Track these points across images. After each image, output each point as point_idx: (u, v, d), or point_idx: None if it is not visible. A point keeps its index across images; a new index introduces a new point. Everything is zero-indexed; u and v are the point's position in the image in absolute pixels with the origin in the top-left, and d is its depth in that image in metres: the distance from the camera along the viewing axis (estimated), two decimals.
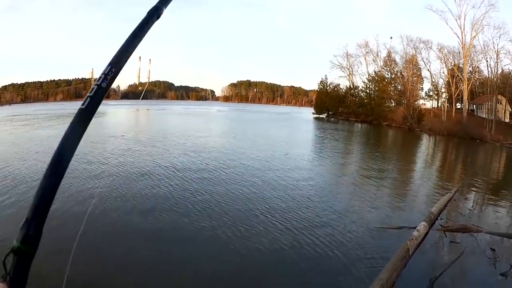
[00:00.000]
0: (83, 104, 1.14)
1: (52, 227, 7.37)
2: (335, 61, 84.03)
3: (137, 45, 1.34)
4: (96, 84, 1.18)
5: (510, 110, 62.69)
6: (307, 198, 12.10)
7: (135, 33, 1.35)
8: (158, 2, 1.42)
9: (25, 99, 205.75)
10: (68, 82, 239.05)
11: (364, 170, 19.02)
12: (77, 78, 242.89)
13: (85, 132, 1.02)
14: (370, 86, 77.73)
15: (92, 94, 1.16)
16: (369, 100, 74.81)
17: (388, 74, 76.25)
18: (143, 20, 1.39)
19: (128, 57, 1.31)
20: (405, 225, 9.54)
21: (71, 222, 8.23)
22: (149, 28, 1.39)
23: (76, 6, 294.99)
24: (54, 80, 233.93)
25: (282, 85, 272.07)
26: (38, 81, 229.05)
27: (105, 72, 1.22)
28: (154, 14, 1.41)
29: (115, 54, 1.28)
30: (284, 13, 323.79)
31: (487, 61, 61.69)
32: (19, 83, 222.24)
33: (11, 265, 0.87)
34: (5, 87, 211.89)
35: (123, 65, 1.27)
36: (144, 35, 1.38)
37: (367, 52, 79.50)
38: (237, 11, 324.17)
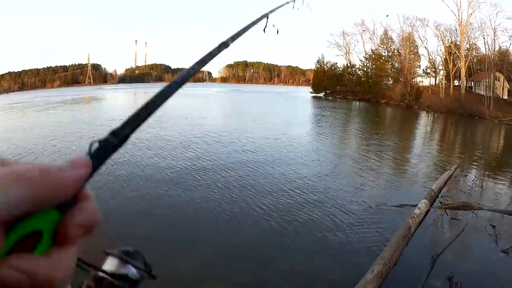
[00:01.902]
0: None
1: None
2: (332, 40, 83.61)
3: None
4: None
5: (508, 87, 62.75)
6: (306, 177, 12.07)
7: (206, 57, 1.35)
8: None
9: (22, 87, 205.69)
10: (65, 68, 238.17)
11: (363, 149, 19.02)
12: (73, 64, 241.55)
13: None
14: (367, 64, 77.38)
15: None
16: (367, 78, 74.57)
17: (385, 52, 75.89)
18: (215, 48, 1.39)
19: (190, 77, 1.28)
20: (406, 203, 9.52)
21: None
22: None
23: None
24: (51, 67, 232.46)
25: (279, 65, 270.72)
26: (35, 69, 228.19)
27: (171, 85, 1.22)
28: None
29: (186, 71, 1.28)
30: None
31: (484, 38, 61.64)
32: (15, 71, 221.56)
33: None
34: (2, 76, 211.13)
35: (184, 83, 1.24)
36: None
37: (364, 30, 79.13)
38: None
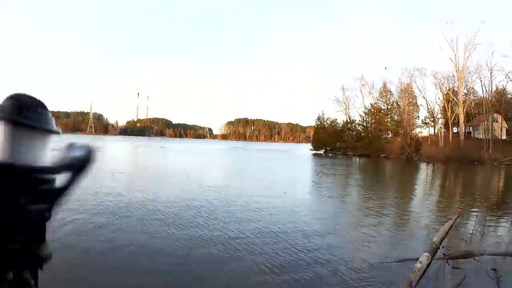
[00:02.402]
0: None
1: None
2: (332, 96, 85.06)
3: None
4: None
5: (506, 126, 63.33)
6: (308, 235, 11.93)
7: None
8: None
9: None
10: (67, 115, 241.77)
11: (363, 205, 18.91)
12: (76, 111, 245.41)
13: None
14: (367, 119, 78.30)
15: None
16: (366, 133, 75.25)
17: (384, 105, 77.31)
18: None
19: None
20: (407, 257, 9.46)
21: None
22: None
23: (78, 37, 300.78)
24: (53, 112, 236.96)
25: (279, 122, 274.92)
26: None
27: None
28: None
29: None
30: (282, 49, 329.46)
31: (481, 80, 63.58)
32: None
33: None
34: None
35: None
36: None
37: (363, 84, 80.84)
38: (236, 46, 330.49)
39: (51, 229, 1.93)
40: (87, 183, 22.45)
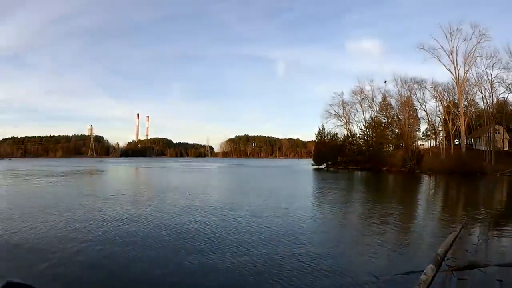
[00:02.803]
0: None
1: None
2: (331, 110, 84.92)
3: None
4: None
5: (508, 138, 63.13)
6: (312, 251, 11.85)
7: None
8: None
9: (25, 154, 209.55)
10: (67, 139, 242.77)
11: (367, 219, 18.89)
12: (76, 134, 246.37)
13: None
14: (368, 133, 78.26)
15: None
16: (367, 147, 75.19)
17: (384, 119, 77.20)
18: None
19: None
20: (411, 269, 9.42)
21: None
22: None
23: (75, 59, 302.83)
24: (53, 136, 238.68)
25: (280, 138, 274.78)
26: (38, 136, 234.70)
27: None
28: None
29: None
30: (281, 66, 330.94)
31: (481, 93, 63.00)
32: (19, 137, 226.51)
33: None
34: (5, 140, 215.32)
35: None
36: None
37: (363, 98, 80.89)
38: (235, 67, 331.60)
39: None
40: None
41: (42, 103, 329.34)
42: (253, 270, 9.86)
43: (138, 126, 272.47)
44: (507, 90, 59.63)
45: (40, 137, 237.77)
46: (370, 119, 79.19)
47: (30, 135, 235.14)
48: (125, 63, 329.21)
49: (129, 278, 9.29)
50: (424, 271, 8.22)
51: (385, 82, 76.80)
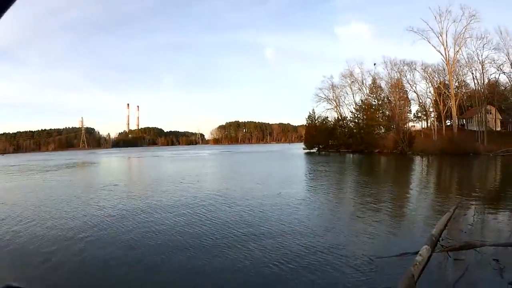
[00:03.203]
0: None
1: None
2: (321, 94, 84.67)
3: None
4: None
5: (500, 118, 63.18)
6: (303, 234, 11.81)
7: None
8: None
9: (17, 149, 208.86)
10: (59, 132, 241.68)
11: (360, 200, 18.80)
12: (67, 127, 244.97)
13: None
14: (358, 115, 78.28)
15: None
16: (358, 129, 75.28)
17: (375, 101, 77.05)
18: None
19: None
20: (407, 250, 9.32)
21: None
22: None
23: (66, 52, 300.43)
24: (45, 130, 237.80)
25: (270, 123, 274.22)
26: (30, 131, 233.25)
27: None
28: None
29: None
30: (270, 51, 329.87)
31: (472, 73, 62.81)
32: (11, 132, 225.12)
33: None
34: None
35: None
36: None
37: (352, 81, 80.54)
38: (225, 53, 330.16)
39: None
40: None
41: (33, 98, 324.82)
42: (246, 254, 9.91)
43: (128, 116, 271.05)
44: (498, 70, 59.53)
45: (32, 131, 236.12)
46: (360, 102, 79.22)
47: (22, 130, 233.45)
48: (115, 54, 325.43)
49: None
50: (419, 252, 8.12)
51: (374, 64, 76.53)
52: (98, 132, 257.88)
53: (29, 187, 27.64)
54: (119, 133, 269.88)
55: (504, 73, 59.05)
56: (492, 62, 58.98)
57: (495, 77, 61.38)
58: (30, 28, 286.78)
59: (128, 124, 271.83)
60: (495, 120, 63.14)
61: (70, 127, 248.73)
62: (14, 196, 23.08)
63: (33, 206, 18.28)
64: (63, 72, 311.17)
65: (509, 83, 60.01)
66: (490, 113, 62.00)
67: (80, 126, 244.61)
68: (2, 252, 10.75)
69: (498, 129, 62.57)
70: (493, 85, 61.18)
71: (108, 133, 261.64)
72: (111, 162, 71.87)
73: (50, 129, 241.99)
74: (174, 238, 11.79)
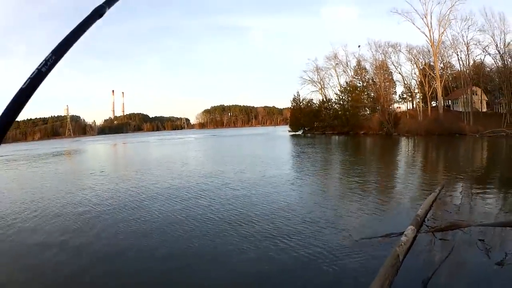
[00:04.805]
0: (24, 84, 1.26)
1: None
2: (306, 77, 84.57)
3: (78, 39, 1.44)
4: (37, 69, 1.29)
5: (486, 99, 63.50)
6: (286, 215, 11.75)
7: (78, 27, 1.46)
8: (104, 3, 1.54)
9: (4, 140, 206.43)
10: (44, 121, 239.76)
11: (345, 181, 18.88)
12: (53, 116, 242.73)
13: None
14: (343, 97, 78.31)
15: (33, 76, 1.27)
16: (343, 111, 75.31)
17: (359, 83, 77.08)
18: (87, 16, 1.49)
19: (68, 49, 1.41)
20: (392, 231, 9.24)
21: None
22: (91, 25, 1.49)
23: (49, 41, 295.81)
24: (31, 119, 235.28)
25: (255, 106, 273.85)
26: (16, 121, 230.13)
27: (47, 58, 1.33)
28: (97, 12, 1.51)
29: (58, 44, 1.40)
30: (254, 34, 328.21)
31: (457, 55, 62.85)
32: None
33: None
34: None
35: (63, 55, 1.39)
36: (86, 30, 1.48)
37: (337, 63, 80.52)
38: (208, 37, 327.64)
39: None
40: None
41: (17, 88, 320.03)
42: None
43: (113, 103, 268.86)
44: (483, 52, 59.54)
45: (17, 121, 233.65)
46: (345, 84, 79.21)
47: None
48: (98, 40, 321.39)
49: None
50: (405, 233, 8.08)
51: (359, 46, 76.43)
52: (84, 120, 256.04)
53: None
54: (105, 120, 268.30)
55: (489, 54, 58.99)
56: (478, 44, 59.00)
57: (480, 59, 61.48)
58: (14, 16, 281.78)
59: (114, 110, 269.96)
60: (481, 101, 63.32)
61: (56, 115, 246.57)
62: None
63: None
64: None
65: (495, 65, 59.98)
66: (476, 94, 62.16)
67: (66, 115, 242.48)
68: None
69: (484, 110, 62.80)
70: (479, 67, 61.33)
71: (94, 121, 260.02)
72: (96, 150, 70.97)
73: (36, 118, 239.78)
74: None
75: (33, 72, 1.28)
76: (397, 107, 73.98)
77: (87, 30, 1.48)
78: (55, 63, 1.35)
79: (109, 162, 40.92)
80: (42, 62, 1.31)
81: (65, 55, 1.37)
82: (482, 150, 33.65)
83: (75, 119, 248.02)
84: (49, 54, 1.34)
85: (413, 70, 70.06)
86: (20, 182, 24.43)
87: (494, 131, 48.62)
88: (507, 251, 7.67)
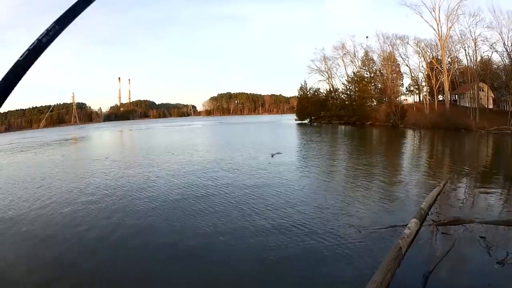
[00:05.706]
0: (21, 56, 1.23)
1: None
2: (313, 66, 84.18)
3: (86, 7, 1.40)
4: (37, 39, 1.25)
5: (492, 96, 63.01)
6: (293, 204, 11.91)
7: None
8: None
9: (9, 128, 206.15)
10: (50, 108, 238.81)
11: (351, 172, 18.89)
12: (58, 103, 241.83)
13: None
14: (350, 87, 77.86)
15: (31, 48, 1.25)
16: (350, 101, 74.89)
17: (367, 74, 76.62)
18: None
19: (74, 18, 1.36)
20: (396, 223, 9.37)
21: None
22: None
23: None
24: (36, 107, 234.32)
25: (262, 94, 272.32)
26: (21, 109, 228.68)
27: (49, 28, 1.29)
28: None
29: (63, 13, 1.34)
30: (261, 22, 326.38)
31: (465, 50, 61.93)
32: (1, 112, 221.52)
33: None
34: None
35: (67, 26, 1.33)
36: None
37: (344, 53, 79.99)
38: (215, 25, 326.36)
39: None
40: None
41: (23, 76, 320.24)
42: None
43: (120, 90, 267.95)
44: (491, 48, 58.92)
45: (23, 109, 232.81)
46: (352, 74, 78.74)
47: (12, 109, 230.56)
48: (104, 29, 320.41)
49: None
50: (408, 225, 8.20)
51: (367, 37, 76.22)
52: (90, 107, 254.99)
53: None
54: (111, 107, 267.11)
55: (497, 51, 58.37)
56: (485, 40, 58.42)
57: (488, 55, 60.82)
58: (19, 9, 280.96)
59: (120, 97, 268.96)
60: (487, 97, 62.70)
61: (61, 103, 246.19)
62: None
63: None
64: (52, 49, 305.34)
65: (502, 62, 59.37)
66: (483, 91, 61.54)
67: (71, 102, 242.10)
68: None
69: (490, 106, 62.22)
70: (486, 63, 60.75)
71: (100, 108, 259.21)
72: (101, 136, 70.97)
73: (41, 106, 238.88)
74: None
75: (33, 43, 1.27)
76: (404, 100, 73.57)
77: (95, 1, 1.43)
78: (58, 33, 1.32)
79: (111, 150, 40.99)
80: (43, 32, 1.29)
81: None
82: (488, 147, 33.41)
83: (81, 106, 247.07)
84: (52, 24, 1.31)
85: (420, 63, 69.34)
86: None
87: (499, 128, 48.26)
88: (508, 251, 7.73)
